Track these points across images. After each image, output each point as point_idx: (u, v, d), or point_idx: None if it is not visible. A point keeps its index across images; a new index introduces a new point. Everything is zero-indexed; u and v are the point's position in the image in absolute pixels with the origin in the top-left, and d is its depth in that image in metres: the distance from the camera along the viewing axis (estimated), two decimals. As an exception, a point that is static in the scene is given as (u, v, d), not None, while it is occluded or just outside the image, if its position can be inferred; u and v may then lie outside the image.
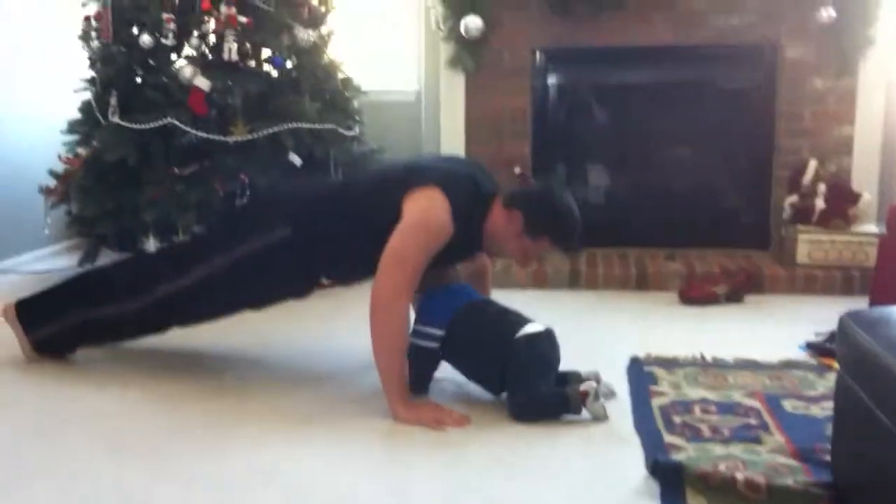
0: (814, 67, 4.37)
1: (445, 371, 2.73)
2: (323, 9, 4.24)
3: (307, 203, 2.86)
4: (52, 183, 4.15)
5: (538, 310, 3.68)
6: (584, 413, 2.48)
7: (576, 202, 2.73)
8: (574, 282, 4.14)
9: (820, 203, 4.18)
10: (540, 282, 4.15)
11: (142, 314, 2.91)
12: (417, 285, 2.55)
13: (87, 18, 4.10)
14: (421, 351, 2.66)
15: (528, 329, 2.60)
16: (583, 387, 2.49)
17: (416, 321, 2.71)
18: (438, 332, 2.65)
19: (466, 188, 2.67)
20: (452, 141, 4.61)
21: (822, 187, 4.22)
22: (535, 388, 2.51)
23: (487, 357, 2.60)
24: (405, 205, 2.57)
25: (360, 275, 2.86)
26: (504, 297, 3.75)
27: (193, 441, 2.37)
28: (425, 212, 2.54)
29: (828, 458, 2.10)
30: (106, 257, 4.08)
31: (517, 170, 4.54)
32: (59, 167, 4.17)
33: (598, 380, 2.62)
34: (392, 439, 2.37)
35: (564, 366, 2.68)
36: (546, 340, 2.62)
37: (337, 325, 3.27)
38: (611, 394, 2.66)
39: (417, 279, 2.54)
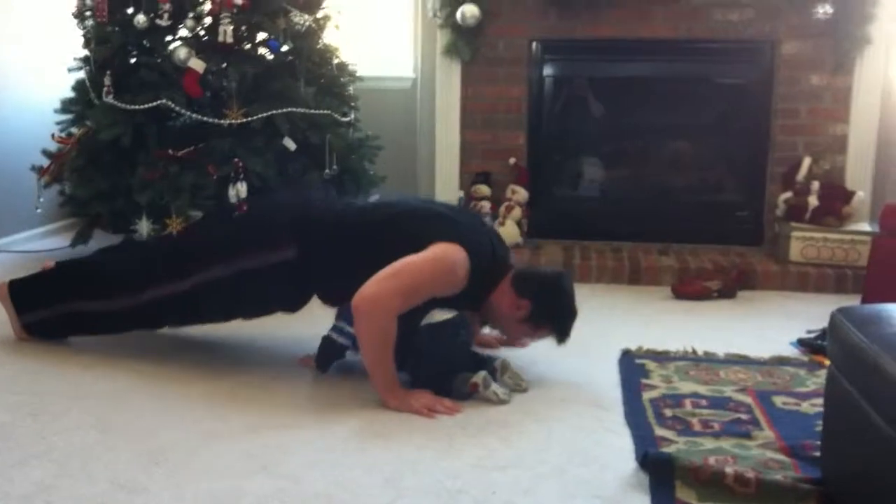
0: (810, 64, 4.37)
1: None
2: (319, -7, 4.21)
3: (317, 227, 2.78)
4: (44, 162, 4.12)
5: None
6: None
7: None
8: (566, 274, 4.14)
9: (813, 201, 4.19)
10: (532, 273, 4.14)
11: (133, 313, 2.89)
12: (402, 310, 2.50)
13: (82, -4, 4.07)
14: (330, 343, 2.76)
15: (436, 317, 2.65)
16: (473, 378, 2.57)
17: (337, 318, 2.79)
18: (351, 330, 2.69)
19: (487, 256, 2.68)
20: (447, 129, 4.61)
21: (815, 185, 4.22)
22: (436, 373, 2.60)
23: (398, 345, 2.60)
24: (431, 248, 2.57)
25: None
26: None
27: (185, 425, 2.36)
28: (447, 257, 2.55)
29: (817, 454, 2.11)
30: (99, 238, 4.06)
31: (512, 160, 4.54)
32: (53, 147, 4.14)
33: (503, 369, 2.68)
34: (385, 428, 2.37)
35: (543, 354, 2.76)
36: (452, 327, 2.67)
37: (331, 313, 3.25)
38: (518, 385, 2.68)
39: (407, 301, 2.51)
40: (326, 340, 2.78)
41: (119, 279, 2.93)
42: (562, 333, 2.75)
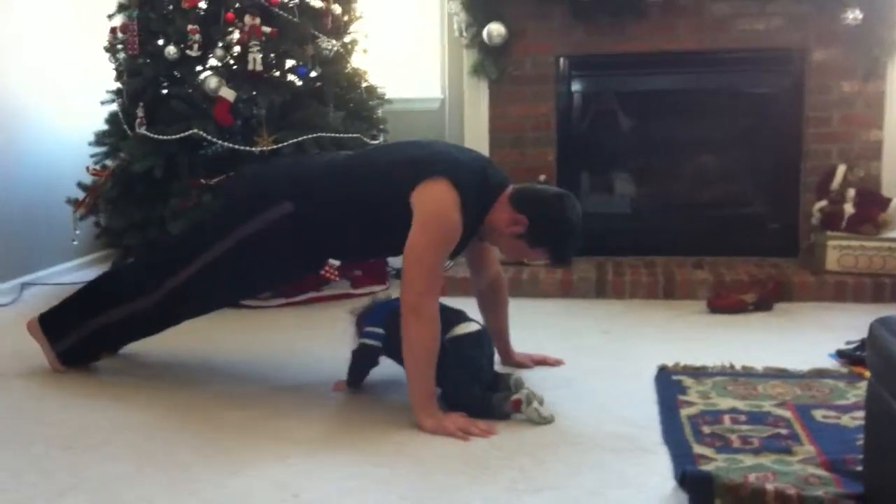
0: (841, 71, 4.33)
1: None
2: (346, 18, 4.25)
3: (309, 178, 2.82)
4: (80, 195, 4.19)
5: (565, 319, 3.72)
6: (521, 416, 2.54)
7: (581, 215, 2.73)
8: (601, 291, 4.11)
9: (849, 209, 4.14)
10: (566, 291, 4.12)
11: (156, 309, 2.92)
12: (441, 284, 2.56)
13: (114, 30, 4.13)
14: (366, 349, 2.76)
15: (457, 331, 2.64)
16: (515, 396, 2.54)
17: (361, 325, 2.81)
18: (380, 330, 2.73)
19: (475, 180, 2.65)
20: (476, 148, 4.56)
21: (851, 192, 4.17)
22: (465, 389, 2.58)
23: None
24: (415, 197, 2.56)
25: (366, 257, 2.85)
26: (531, 306, 3.78)
27: (216, 454, 2.37)
28: (439, 211, 2.54)
29: (859, 468, 2.07)
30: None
31: (542, 178, 4.53)
32: (87, 179, 4.20)
33: (518, 385, 2.62)
34: (416, 453, 2.35)
35: (577, 372, 2.68)
36: (473, 341, 2.66)
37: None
38: (541, 399, 2.62)
39: (440, 278, 2.58)
40: (361, 348, 2.77)
41: (135, 280, 2.97)
42: (558, 255, 2.74)
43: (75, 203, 4.17)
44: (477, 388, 2.61)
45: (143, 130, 3.84)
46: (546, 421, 2.52)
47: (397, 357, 2.69)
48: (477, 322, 2.75)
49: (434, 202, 2.55)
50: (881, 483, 1.92)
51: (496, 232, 2.72)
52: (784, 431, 2.42)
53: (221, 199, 3.11)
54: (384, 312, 2.75)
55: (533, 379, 2.84)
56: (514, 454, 2.33)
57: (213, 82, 3.79)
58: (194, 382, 2.97)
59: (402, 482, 2.19)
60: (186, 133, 3.78)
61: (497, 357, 2.96)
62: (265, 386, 2.93)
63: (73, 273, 4.64)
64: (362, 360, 2.79)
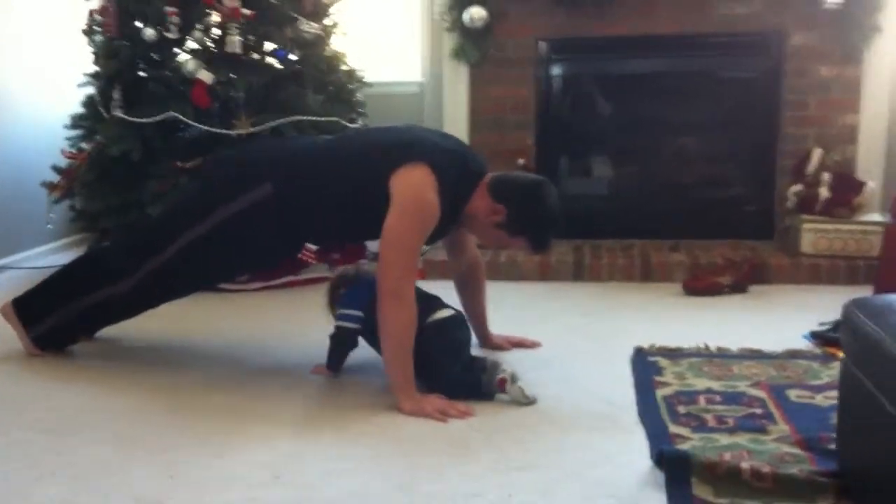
0: (819, 55, 4.35)
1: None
2: (326, 0, 4.23)
3: (289, 160, 2.81)
4: (55, 178, 4.16)
5: (543, 301, 3.74)
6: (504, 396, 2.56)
7: (559, 201, 2.73)
8: (578, 274, 4.14)
9: (824, 192, 4.17)
10: (544, 274, 4.14)
11: (134, 292, 2.90)
12: (418, 268, 2.58)
13: (92, 13, 4.10)
14: (343, 331, 2.77)
15: (438, 315, 2.66)
16: (500, 375, 2.56)
17: (340, 307, 2.80)
18: (358, 314, 2.74)
19: (454, 166, 2.66)
20: (455, 132, 4.57)
21: (826, 176, 4.20)
22: (450, 371, 2.60)
23: None
24: (393, 182, 2.56)
25: (344, 241, 2.85)
26: (510, 289, 3.81)
27: (199, 437, 2.37)
28: (417, 195, 2.54)
29: (833, 447, 2.10)
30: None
31: (520, 161, 4.54)
32: (63, 162, 4.17)
33: (494, 367, 2.64)
34: (398, 434, 2.37)
35: (555, 353, 2.71)
36: (454, 323, 2.70)
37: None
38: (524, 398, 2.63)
39: (417, 262, 2.59)
40: (338, 332, 2.78)
41: (114, 262, 2.95)
42: (537, 244, 2.75)
43: (50, 186, 4.15)
44: (459, 368, 2.63)
45: (119, 113, 3.82)
46: (529, 401, 2.54)
47: (377, 344, 2.70)
48: (453, 308, 2.77)
49: (412, 186, 2.55)
50: (854, 460, 1.95)
51: (476, 220, 2.73)
52: (759, 411, 2.45)
53: (200, 181, 3.09)
54: (365, 296, 2.74)
55: (511, 361, 2.86)
56: (493, 435, 2.34)
57: (191, 64, 3.77)
58: (173, 366, 2.97)
59: (385, 463, 2.20)
60: (164, 116, 3.76)
61: (475, 340, 2.98)
62: (246, 369, 2.93)
63: (48, 257, 4.62)
64: (341, 344, 2.80)
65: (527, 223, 2.70)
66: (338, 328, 2.78)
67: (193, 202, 2.92)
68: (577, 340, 3.18)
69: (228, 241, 2.78)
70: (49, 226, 4.27)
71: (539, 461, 2.19)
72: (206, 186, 2.98)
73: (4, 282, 4.14)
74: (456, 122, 4.60)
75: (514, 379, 2.55)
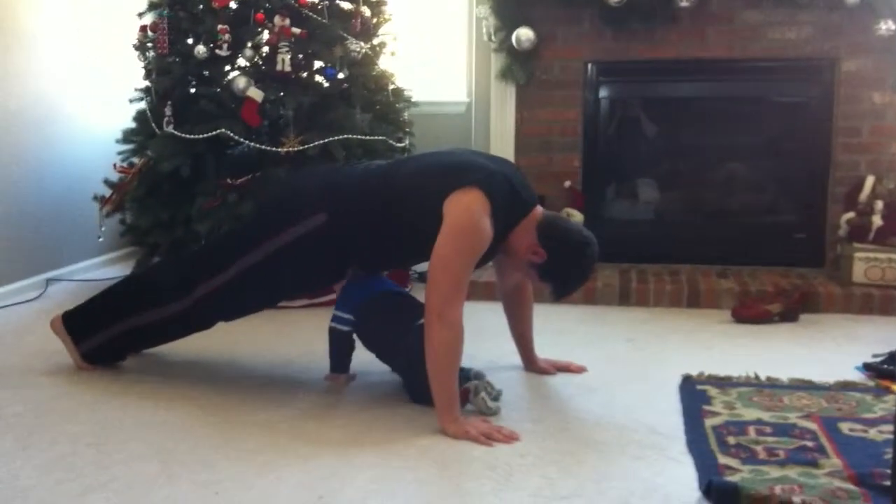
0: (872, 82, 4.30)
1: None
2: (375, 20, 4.25)
3: (344, 188, 2.82)
4: (106, 192, 4.21)
5: (589, 326, 3.71)
6: (469, 406, 2.61)
7: (597, 261, 2.77)
8: (624, 298, 4.10)
9: (877, 220, 4.11)
10: (589, 298, 4.10)
11: (185, 315, 2.93)
12: (466, 292, 2.57)
13: (143, 29, 4.15)
14: (335, 333, 2.84)
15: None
16: (464, 385, 2.59)
17: (335, 304, 2.88)
18: (348, 316, 2.81)
19: (506, 192, 2.65)
20: (502, 153, 4.58)
21: (879, 204, 4.14)
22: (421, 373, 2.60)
23: (392, 343, 2.75)
24: (447, 205, 2.55)
25: (396, 266, 2.87)
26: (554, 313, 3.77)
27: (243, 455, 2.37)
28: (470, 218, 2.53)
29: (887, 482, 2.05)
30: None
31: (567, 184, 4.52)
32: (114, 177, 4.23)
33: (478, 377, 2.66)
34: (442, 457, 2.35)
35: (601, 380, 2.64)
36: None
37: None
38: (497, 393, 2.68)
39: (466, 285, 2.57)
40: (330, 333, 2.84)
41: (164, 286, 2.97)
42: (560, 295, 2.77)
43: (102, 200, 4.20)
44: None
45: (170, 129, 3.86)
46: (492, 411, 2.59)
47: (372, 347, 2.81)
48: None
49: (465, 211, 2.54)
50: (910, 499, 1.90)
51: (513, 252, 2.73)
52: (810, 444, 2.40)
53: (256, 209, 3.15)
54: (356, 299, 2.79)
55: (555, 385, 2.84)
56: (538, 461, 2.32)
57: (241, 82, 3.80)
58: (218, 382, 2.98)
59: (427, 486, 2.18)
60: (214, 133, 3.79)
61: (520, 363, 2.96)
62: (288, 387, 2.93)
63: (97, 270, 4.68)
64: (333, 345, 2.85)
65: (562, 276, 2.72)
66: (329, 329, 2.85)
67: (250, 230, 2.97)
68: (622, 366, 3.14)
69: (282, 268, 2.80)
70: (99, 239, 4.32)
71: (584, 490, 2.16)
72: (262, 215, 3.02)
73: (54, 294, 4.19)
74: (503, 143, 4.60)
75: (477, 390, 2.59)
